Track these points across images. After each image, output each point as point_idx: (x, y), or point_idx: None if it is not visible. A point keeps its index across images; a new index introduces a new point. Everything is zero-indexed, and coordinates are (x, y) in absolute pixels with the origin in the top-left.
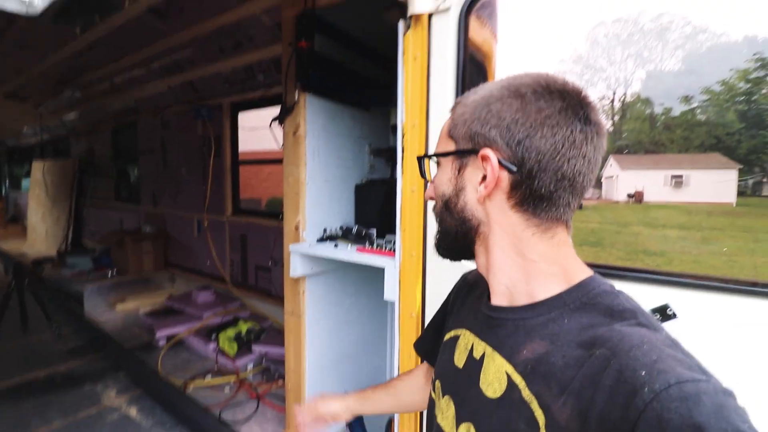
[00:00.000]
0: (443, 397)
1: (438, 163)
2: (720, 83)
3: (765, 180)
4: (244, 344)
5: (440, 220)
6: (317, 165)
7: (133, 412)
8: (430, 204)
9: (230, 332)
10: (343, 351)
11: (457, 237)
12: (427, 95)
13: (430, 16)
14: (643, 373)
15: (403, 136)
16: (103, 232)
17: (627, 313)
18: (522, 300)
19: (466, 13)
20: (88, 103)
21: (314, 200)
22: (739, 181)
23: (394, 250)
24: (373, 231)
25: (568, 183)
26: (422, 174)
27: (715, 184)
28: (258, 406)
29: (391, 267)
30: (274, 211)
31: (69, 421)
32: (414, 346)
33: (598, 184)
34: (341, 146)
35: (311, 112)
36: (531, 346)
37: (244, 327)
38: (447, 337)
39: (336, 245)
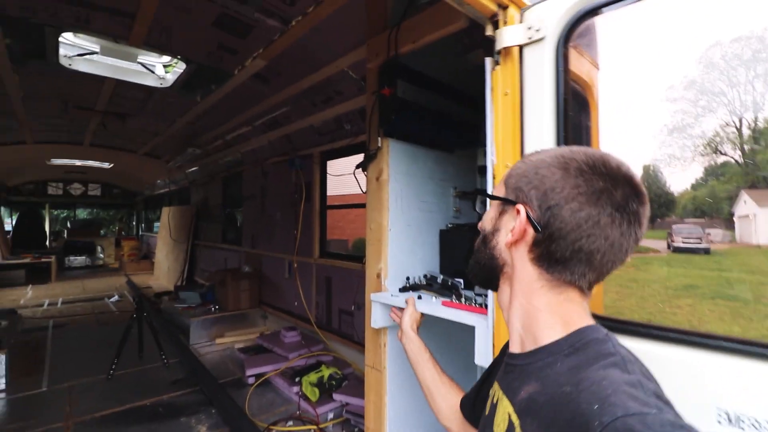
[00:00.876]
0: None
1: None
2: None
3: None
4: (325, 391)
5: (476, 250)
6: (400, 210)
7: None
8: None
9: (313, 377)
10: (428, 414)
11: (484, 269)
12: (521, 133)
13: (521, 48)
14: (596, 407)
15: (494, 178)
16: (211, 270)
17: (609, 356)
18: (529, 346)
19: (564, 42)
20: (206, 158)
21: (397, 246)
22: None
23: (486, 306)
24: (460, 282)
25: (585, 256)
26: (475, 206)
27: None
28: None
29: (483, 326)
30: (358, 255)
31: None
32: (460, 405)
33: (730, 225)
34: (424, 189)
35: (394, 156)
36: (527, 388)
37: (326, 372)
38: (489, 393)
39: (419, 296)
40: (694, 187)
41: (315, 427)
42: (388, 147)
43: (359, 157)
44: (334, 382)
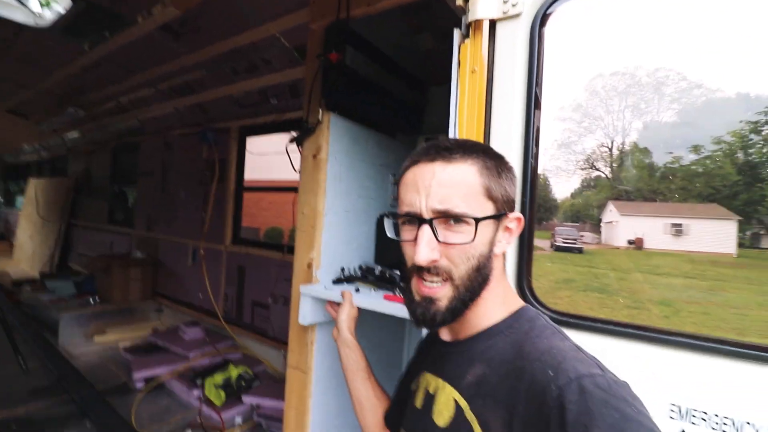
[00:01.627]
0: None
1: (459, 223)
2: (716, 140)
3: (763, 232)
4: (233, 392)
5: (469, 284)
6: (338, 194)
7: None
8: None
9: (218, 378)
10: (352, 417)
11: (473, 296)
12: (487, 116)
13: (493, 23)
14: (551, 373)
15: None
16: (92, 255)
17: (545, 329)
18: (466, 332)
19: (541, 22)
20: (92, 122)
21: (332, 234)
22: (739, 232)
23: None
24: (397, 273)
25: None
26: (437, 237)
27: (715, 234)
28: None
29: None
30: (278, 243)
31: None
32: (384, 419)
33: (599, 229)
34: (364, 174)
35: (335, 133)
36: (473, 371)
37: (234, 372)
38: (412, 388)
39: (357, 289)
40: (573, 195)
41: None
42: (329, 122)
43: (283, 138)
44: (243, 383)
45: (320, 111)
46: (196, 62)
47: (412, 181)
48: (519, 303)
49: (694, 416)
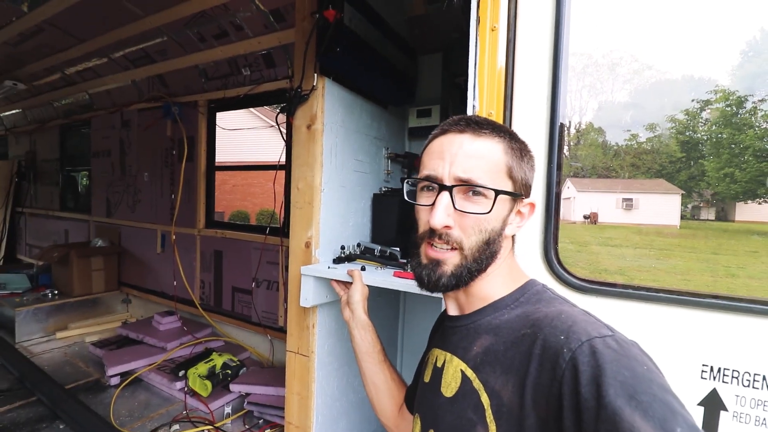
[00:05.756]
0: (414, 417)
1: (477, 195)
2: (669, 119)
3: (702, 205)
4: (219, 382)
5: (477, 256)
6: (334, 167)
7: None
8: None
9: (202, 368)
10: (355, 399)
11: (482, 269)
12: (510, 78)
13: None
14: (562, 337)
15: None
16: (45, 245)
17: (552, 300)
18: (475, 306)
19: None
20: (33, 97)
21: (330, 211)
22: (681, 205)
23: None
24: (397, 250)
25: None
26: (454, 205)
27: (660, 207)
28: None
29: None
30: (261, 225)
31: None
32: (405, 400)
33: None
34: (359, 147)
35: (330, 101)
36: (479, 342)
37: (219, 361)
38: (422, 366)
39: (363, 268)
40: None
41: (210, 427)
42: (324, 88)
43: (244, 116)
44: (229, 371)
45: (315, 76)
46: (155, 27)
47: (438, 149)
48: (525, 278)
49: (725, 375)
